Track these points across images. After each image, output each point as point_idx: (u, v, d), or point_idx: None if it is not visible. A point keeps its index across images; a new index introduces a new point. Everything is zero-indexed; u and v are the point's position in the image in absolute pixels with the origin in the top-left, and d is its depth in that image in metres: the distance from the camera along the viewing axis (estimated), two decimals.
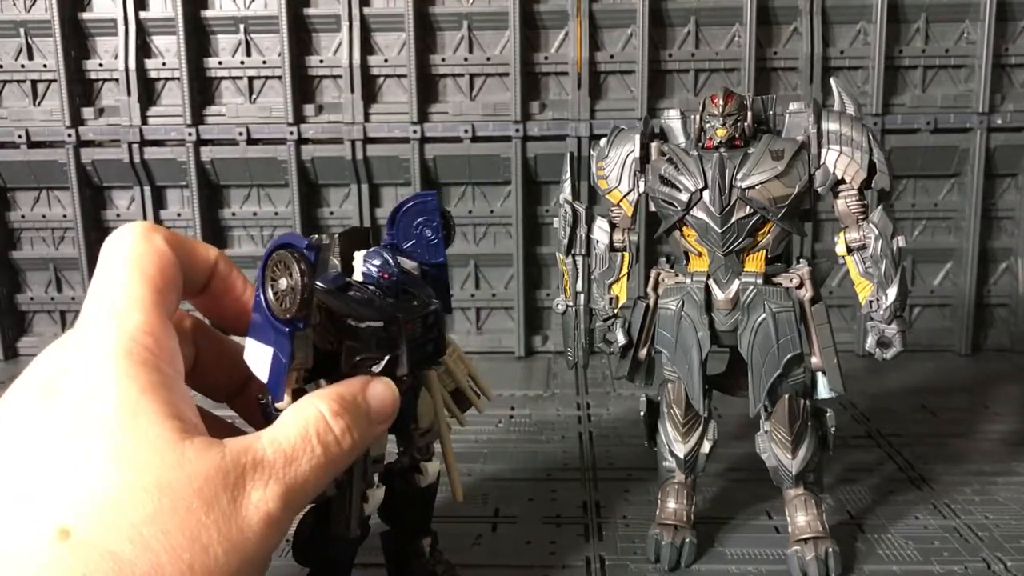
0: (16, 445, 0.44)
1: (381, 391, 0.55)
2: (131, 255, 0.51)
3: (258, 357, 0.53)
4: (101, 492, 0.42)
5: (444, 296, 0.64)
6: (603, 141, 0.80)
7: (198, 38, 1.40)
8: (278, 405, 0.53)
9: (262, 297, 0.50)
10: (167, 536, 0.42)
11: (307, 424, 0.50)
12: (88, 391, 0.45)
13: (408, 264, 0.61)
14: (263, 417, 0.54)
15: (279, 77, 1.40)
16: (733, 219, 0.72)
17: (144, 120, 1.41)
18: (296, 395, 0.53)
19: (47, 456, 0.43)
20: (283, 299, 0.50)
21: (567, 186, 0.79)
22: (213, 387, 0.62)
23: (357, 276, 0.57)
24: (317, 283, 0.53)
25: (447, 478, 0.65)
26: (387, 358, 0.55)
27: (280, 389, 0.52)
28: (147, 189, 1.44)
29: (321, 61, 1.41)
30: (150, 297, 0.49)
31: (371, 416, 0.54)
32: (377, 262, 0.56)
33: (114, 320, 0.48)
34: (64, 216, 1.46)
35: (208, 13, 1.39)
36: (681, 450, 0.76)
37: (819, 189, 0.74)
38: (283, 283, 0.50)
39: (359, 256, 0.57)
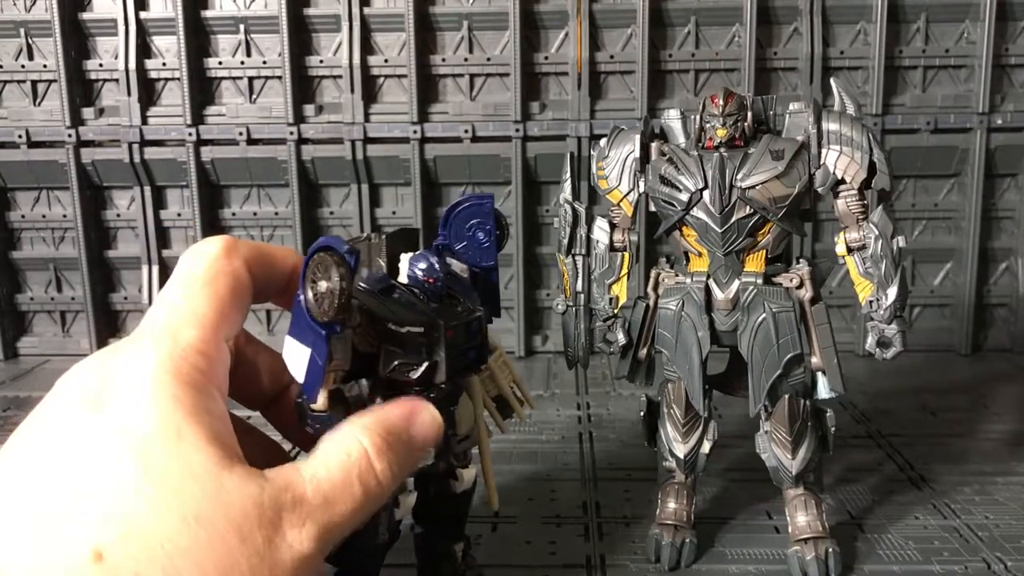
0: (57, 457, 0.43)
1: (427, 423, 0.53)
2: (206, 271, 0.50)
3: (296, 357, 0.52)
4: (138, 516, 0.41)
5: (493, 299, 0.64)
6: (603, 141, 0.80)
7: (198, 38, 1.40)
8: (313, 406, 0.53)
9: (302, 298, 0.50)
10: (199, 568, 0.41)
11: (350, 462, 0.48)
12: (132, 408, 0.44)
13: (458, 266, 0.61)
14: (299, 417, 0.54)
15: (279, 77, 1.40)
16: (733, 219, 0.72)
17: (144, 120, 1.41)
18: (333, 396, 0.53)
19: (87, 472, 0.42)
20: (321, 302, 0.49)
21: (567, 186, 0.79)
22: (249, 396, 0.61)
23: (402, 278, 0.57)
24: (360, 284, 0.53)
25: (484, 485, 0.64)
26: (425, 364, 0.55)
27: (315, 391, 0.52)
28: (147, 189, 1.44)
29: (321, 61, 1.41)
30: (212, 316, 0.49)
31: (413, 449, 0.53)
32: (423, 265, 0.56)
33: (169, 334, 0.47)
34: (64, 216, 1.46)
35: (208, 13, 1.39)
36: (681, 450, 0.76)
37: (819, 189, 0.74)
38: (322, 286, 0.49)
39: (405, 258, 0.57)
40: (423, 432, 0.53)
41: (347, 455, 0.49)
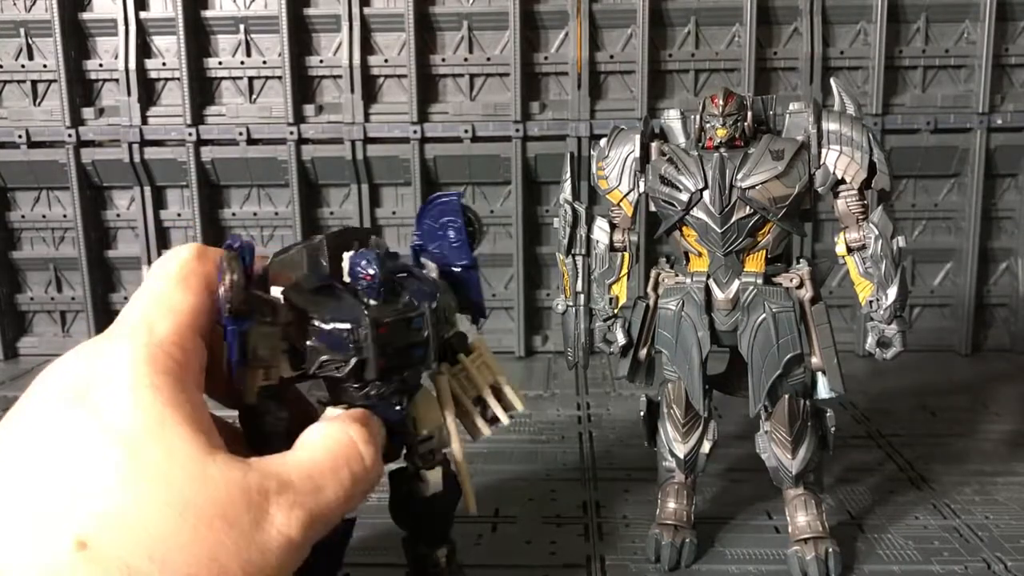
0: (37, 451, 0.43)
1: (377, 423, 0.55)
2: (178, 271, 0.51)
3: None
4: (123, 504, 0.41)
5: (474, 299, 0.63)
6: (603, 141, 0.79)
7: (198, 38, 1.40)
8: (246, 400, 0.53)
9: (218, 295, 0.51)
10: (186, 553, 0.41)
11: (337, 450, 0.49)
12: (112, 400, 0.44)
13: (429, 266, 0.61)
14: (239, 413, 0.55)
15: (279, 77, 1.40)
16: (733, 219, 0.72)
17: (144, 120, 1.41)
18: (264, 391, 0.54)
19: (68, 465, 0.42)
20: (227, 297, 0.50)
21: (567, 186, 0.79)
22: (227, 394, 0.61)
23: (347, 277, 0.57)
24: (300, 283, 0.54)
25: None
26: (354, 361, 0.54)
27: (239, 383, 0.53)
28: (147, 189, 1.44)
29: (321, 61, 1.41)
30: (187, 311, 0.50)
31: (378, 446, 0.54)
32: (361, 262, 0.55)
33: (145, 326, 0.48)
34: (64, 216, 1.47)
35: (208, 13, 1.39)
36: (681, 450, 0.76)
37: (819, 189, 0.74)
38: (227, 281, 0.50)
39: (347, 256, 0.57)
40: (378, 429, 0.55)
41: (335, 444, 0.50)
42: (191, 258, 0.52)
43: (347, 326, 0.54)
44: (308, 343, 0.54)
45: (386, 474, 0.62)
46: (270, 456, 0.48)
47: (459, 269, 0.63)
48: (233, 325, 0.51)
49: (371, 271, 0.55)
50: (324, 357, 0.54)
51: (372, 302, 0.55)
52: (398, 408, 0.58)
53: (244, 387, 0.53)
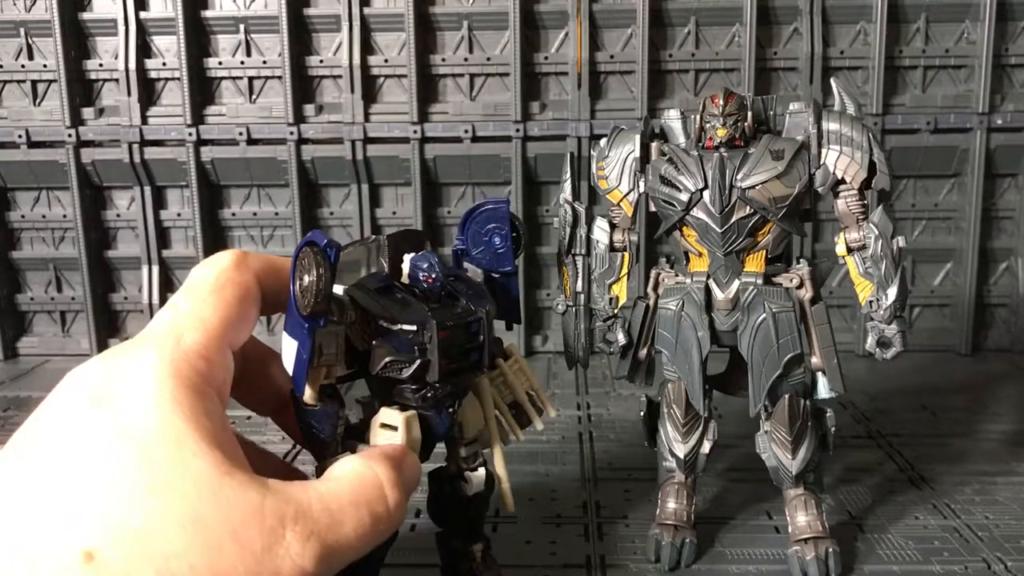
0: (56, 453, 0.43)
1: (412, 465, 0.55)
2: (215, 280, 0.51)
3: (288, 351, 0.54)
4: (132, 519, 0.41)
5: (512, 304, 0.64)
6: (603, 141, 0.79)
7: (198, 38, 1.40)
8: (304, 398, 0.54)
9: (291, 292, 0.51)
10: (193, 572, 0.41)
11: (362, 488, 0.49)
12: (132, 408, 0.44)
13: (474, 271, 0.61)
14: (295, 411, 0.55)
15: (279, 77, 1.40)
16: (733, 219, 0.72)
17: (144, 120, 1.41)
18: (324, 390, 0.54)
19: (82, 471, 0.42)
20: (305, 295, 0.50)
21: (567, 186, 0.79)
22: (259, 401, 0.61)
23: (406, 279, 0.57)
24: (363, 282, 0.54)
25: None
26: (417, 363, 0.55)
27: (301, 383, 0.53)
28: (147, 189, 1.44)
29: (321, 61, 1.41)
30: (217, 322, 0.49)
31: (409, 487, 0.54)
32: (423, 265, 0.56)
33: (173, 336, 0.48)
34: (64, 216, 1.47)
35: (208, 13, 1.39)
36: (681, 450, 0.76)
37: (819, 189, 0.74)
38: (306, 280, 0.50)
39: (407, 259, 0.57)
40: (410, 472, 0.55)
41: (359, 479, 0.49)
42: (229, 266, 0.52)
43: (413, 328, 0.55)
44: (374, 343, 0.55)
45: (425, 473, 0.62)
46: (292, 481, 0.47)
47: (500, 275, 0.63)
48: (311, 323, 0.51)
49: (433, 275, 0.56)
50: (389, 358, 0.55)
51: (432, 305, 0.56)
52: (451, 411, 0.59)
53: (303, 385, 0.53)
